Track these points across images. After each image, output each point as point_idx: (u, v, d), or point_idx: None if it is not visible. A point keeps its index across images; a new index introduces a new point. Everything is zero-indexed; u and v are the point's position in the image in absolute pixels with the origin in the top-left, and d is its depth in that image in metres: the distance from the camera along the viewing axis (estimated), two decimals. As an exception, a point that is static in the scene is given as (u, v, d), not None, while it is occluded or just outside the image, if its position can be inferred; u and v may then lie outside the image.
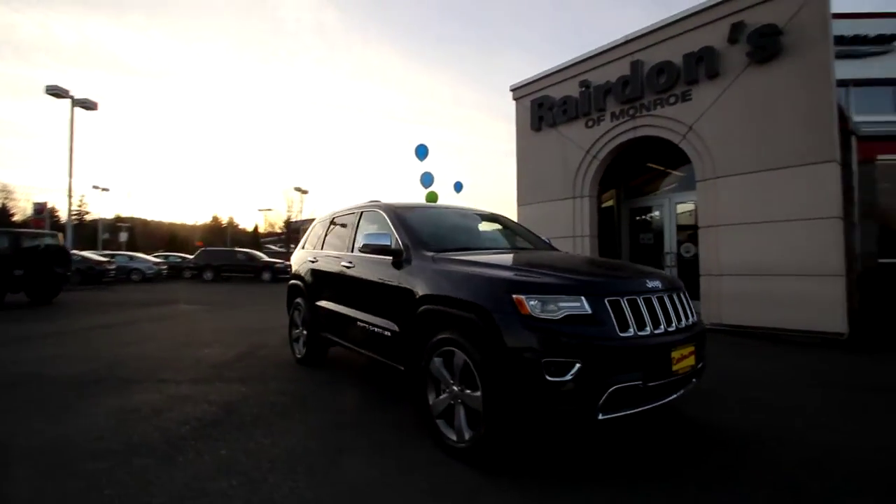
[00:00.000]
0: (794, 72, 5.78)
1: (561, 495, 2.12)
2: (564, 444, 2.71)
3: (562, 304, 2.22)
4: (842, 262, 5.55)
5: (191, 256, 27.01)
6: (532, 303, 2.22)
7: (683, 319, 2.56)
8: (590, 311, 2.22)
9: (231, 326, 7.37)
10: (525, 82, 9.50)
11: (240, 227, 69.60)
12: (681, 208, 8.30)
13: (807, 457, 2.53)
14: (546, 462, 2.48)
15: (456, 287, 2.60)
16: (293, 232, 33.60)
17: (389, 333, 3.13)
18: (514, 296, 2.26)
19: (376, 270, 3.36)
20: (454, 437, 2.50)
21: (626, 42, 7.59)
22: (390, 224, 3.47)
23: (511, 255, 3.22)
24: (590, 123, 8.24)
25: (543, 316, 2.20)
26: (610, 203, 9.56)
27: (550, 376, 2.12)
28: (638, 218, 9.26)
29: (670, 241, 8.30)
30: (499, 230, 4.12)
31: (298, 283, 4.85)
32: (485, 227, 4.13)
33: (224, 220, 69.89)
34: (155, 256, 25.44)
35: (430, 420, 2.69)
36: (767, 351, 5.31)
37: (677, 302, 2.60)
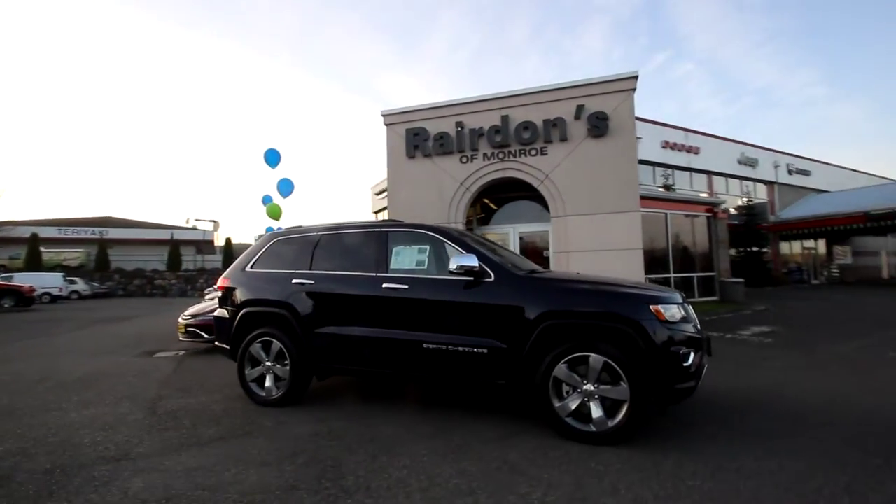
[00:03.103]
0: (616, 147, 8.40)
1: (687, 443, 2.93)
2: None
3: (674, 311, 3.08)
4: (643, 277, 8.31)
5: None
6: (664, 310, 3.00)
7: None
8: (685, 315, 3.16)
9: (54, 377, 5.15)
10: (398, 111, 10.06)
11: None
12: (523, 236, 10.39)
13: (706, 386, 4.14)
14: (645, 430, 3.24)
15: (597, 303, 3.11)
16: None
17: (486, 351, 3.28)
18: (651, 306, 2.99)
19: (456, 292, 3.44)
20: (594, 428, 2.98)
21: (497, 98, 9.20)
22: (456, 247, 3.61)
23: (592, 275, 3.85)
24: (464, 160, 9.46)
25: (671, 320, 3.01)
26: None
27: (684, 362, 2.94)
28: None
29: (515, 262, 10.24)
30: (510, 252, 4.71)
31: (276, 310, 4.10)
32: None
33: None
34: None
35: (558, 420, 3.07)
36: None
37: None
